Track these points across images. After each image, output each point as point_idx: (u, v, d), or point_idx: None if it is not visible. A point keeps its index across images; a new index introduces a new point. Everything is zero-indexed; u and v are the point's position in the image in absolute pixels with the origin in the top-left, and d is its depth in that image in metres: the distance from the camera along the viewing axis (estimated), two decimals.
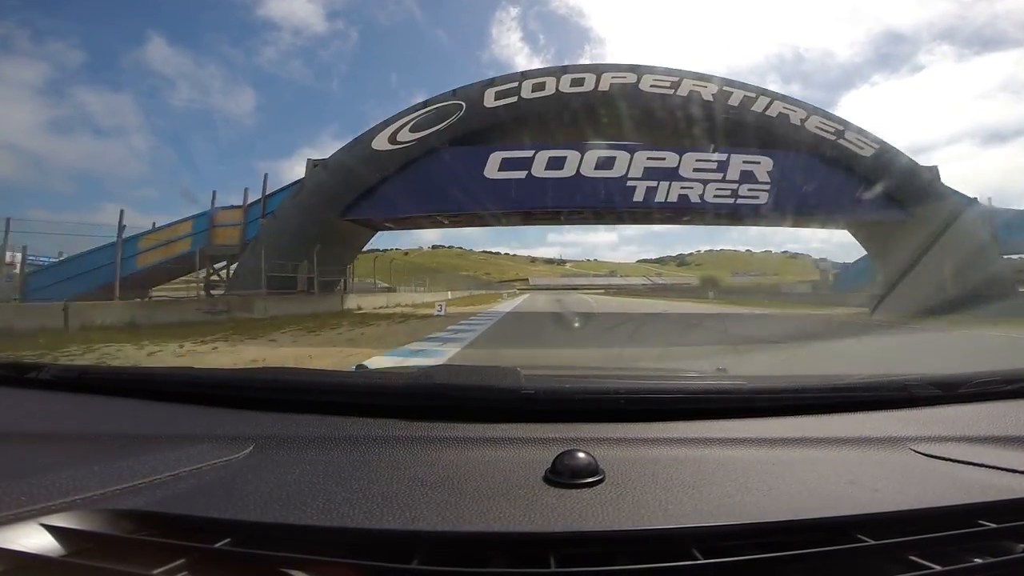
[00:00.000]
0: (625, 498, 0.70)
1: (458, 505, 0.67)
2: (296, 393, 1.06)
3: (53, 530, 0.59)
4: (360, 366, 1.31)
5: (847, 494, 0.73)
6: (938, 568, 0.58)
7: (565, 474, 0.73)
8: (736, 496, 0.71)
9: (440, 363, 1.41)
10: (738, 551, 0.59)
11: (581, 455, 0.76)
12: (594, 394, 1.05)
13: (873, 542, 0.61)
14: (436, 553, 0.60)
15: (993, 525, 0.65)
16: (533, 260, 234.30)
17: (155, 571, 0.54)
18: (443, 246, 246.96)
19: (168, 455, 0.79)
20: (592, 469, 0.74)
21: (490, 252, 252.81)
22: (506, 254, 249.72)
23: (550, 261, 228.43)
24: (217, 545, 0.58)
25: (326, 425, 0.92)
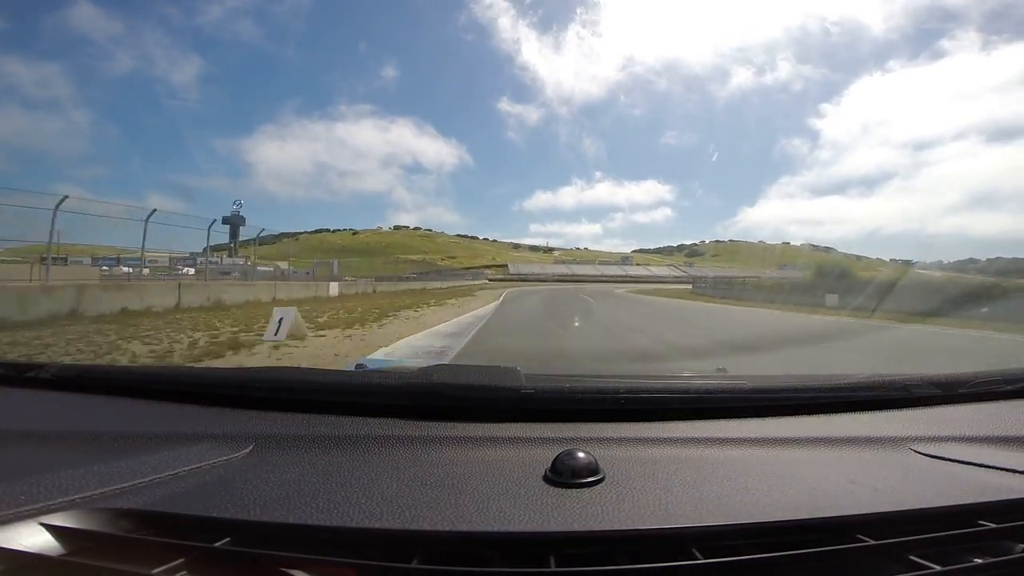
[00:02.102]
0: (625, 498, 0.70)
1: (458, 505, 0.67)
2: (296, 393, 1.06)
3: (53, 529, 0.59)
4: (359, 365, 1.32)
5: (847, 494, 0.73)
6: (938, 568, 0.58)
7: (565, 474, 0.73)
8: (736, 496, 0.71)
9: (440, 363, 1.47)
10: (738, 551, 0.59)
11: (581, 455, 0.76)
12: (594, 394, 1.05)
13: (873, 542, 0.61)
14: (436, 553, 0.60)
15: (993, 525, 0.65)
16: (516, 247, 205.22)
17: (155, 570, 0.54)
18: (406, 226, 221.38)
19: (168, 455, 0.79)
20: (592, 469, 0.74)
21: (465, 236, 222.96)
22: (485, 239, 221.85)
23: (535, 248, 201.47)
24: (217, 544, 0.58)
25: (326, 425, 0.92)
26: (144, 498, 0.66)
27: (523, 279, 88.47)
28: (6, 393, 1.12)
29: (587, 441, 0.87)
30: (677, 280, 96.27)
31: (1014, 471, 0.80)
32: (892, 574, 0.59)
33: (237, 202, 74.60)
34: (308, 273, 37.13)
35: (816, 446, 0.90)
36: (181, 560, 0.56)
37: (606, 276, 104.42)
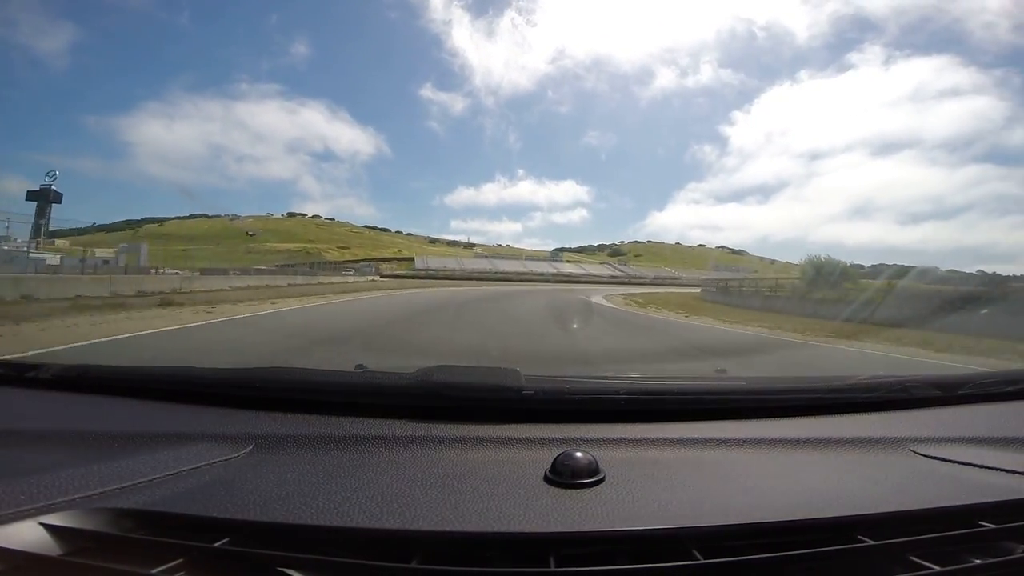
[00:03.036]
0: (625, 498, 0.70)
1: (458, 505, 0.67)
2: (296, 393, 1.05)
3: (52, 529, 0.59)
4: (359, 366, 1.29)
5: (847, 494, 0.73)
6: (938, 568, 0.58)
7: (565, 474, 0.73)
8: (736, 496, 0.72)
9: (441, 364, 1.23)
10: (738, 551, 0.59)
11: (581, 455, 0.76)
12: (594, 394, 1.05)
13: (873, 542, 0.61)
14: (436, 553, 0.60)
15: (992, 526, 0.65)
16: (434, 241, 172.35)
17: (154, 570, 0.54)
18: (302, 214, 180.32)
19: (168, 454, 0.78)
20: (592, 469, 0.74)
21: (375, 228, 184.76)
22: (399, 232, 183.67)
23: (455, 243, 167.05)
24: (216, 544, 0.58)
25: (326, 425, 0.92)
26: (144, 498, 0.66)
27: (431, 276, 66.30)
28: (6, 393, 1.11)
29: (587, 442, 0.87)
30: (618, 280, 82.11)
31: (1014, 472, 0.80)
32: (892, 574, 0.59)
33: (51, 174, 54.52)
34: (96, 263, 29.63)
35: (816, 447, 0.90)
36: (180, 560, 0.56)
37: (536, 274, 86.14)
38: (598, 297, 28.69)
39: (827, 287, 20.27)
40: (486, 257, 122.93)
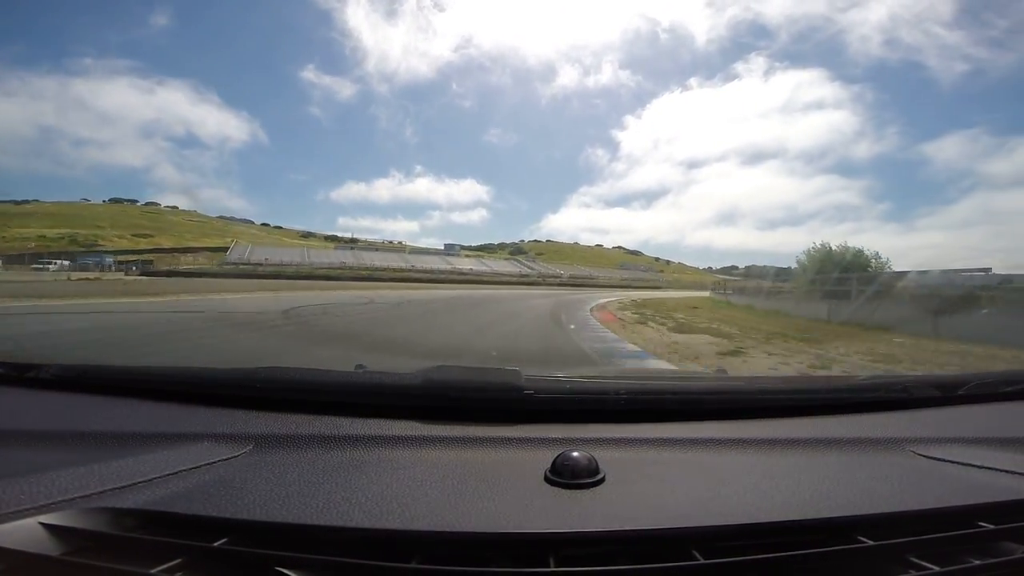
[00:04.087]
0: (625, 498, 0.70)
1: (458, 505, 0.68)
2: (296, 392, 1.05)
3: (52, 529, 0.59)
4: (359, 366, 1.26)
5: (847, 494, 0.73)
6: (937, 569, 0.58)
7: (565, 474, 0.73)
8: (736, 497, 0.71)
9: (441, 364, 1.14)
10: (738, 551, 0.59)
11: (581, 455, 0.76)
12: (594, 394, 1.05)
13: (873, 543, 0.61)
14: (436, 553, 0.60)
15: (992, 526, 0.65)
16: (307, 235, 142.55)
17: (153, 570, 0.54)
18: (133, 200, 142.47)
19: (167, 454, 0.79)
20: (592, 469, 0.74)
21: (233, 219, 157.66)
22: (265, 224, 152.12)
23: (333, 238, 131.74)
24: (215, 544, 0.58)
25: (326, 425, 0.92)
26: (143, 498, 0.66)
27: (251, 275, 45.25)
28: (6, 393, 1.11)
29: (587, 442, 0.86)
30: (529, 280, 65.55)
31: (1013, 472, 0.80)
32: (892, 575, 0.59)
33: None
34: None
35: (815, 447, 0.90)
36: (180, 560, 0.56)
37: (423, 272, 64.46)
38: (583, 313, 16.26)
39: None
40: (350, 248, 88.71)
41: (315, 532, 0.61)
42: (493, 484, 0.73)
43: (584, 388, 1.07)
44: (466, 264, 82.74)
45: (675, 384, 1.18)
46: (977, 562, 0.61)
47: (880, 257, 17.72)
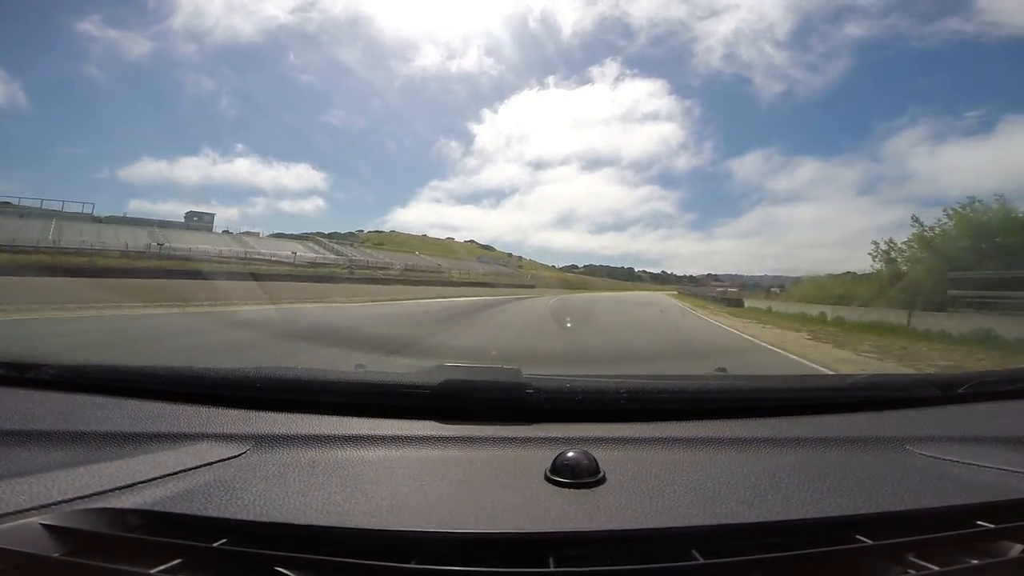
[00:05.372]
0: (625, 498, 0.70)
1: (458, 505, 0.68)
2: (295, 392, 1.05)
3: (52, 529, 0.59)
4: (359, 366, 1.30)
5: (846, 494, 0.73)
6: (936, 568, 0.58)
7: (565, 474, 0.73)
8: (736, 496, 0.72)
9: (441, 364, 1.18)
10: (738, 551, 0.59)
11: (581, 455, 0.76)
12: (595, 394, 1.04)
13: (872, 542, 0.61)
14: (436, 553, 0.60)
15: (991, 526, 0.65)
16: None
17: (153, 570, 0.54)
18: None
19: (167, 455, 0.79)
20: (592, 469, 0.74)
21: None
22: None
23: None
24: (215, 544, 0.58)
25: (325, 425, 0.92)
26: (143, 498, 0.67)
27: None
28: (6, 393, 1.11)
29: (587, 441, 0.87)
30: (319, 276, 34.90)
31: (1013, 471, 0.80)
32: (891, 575, 0.59)
33: None
34: None
35: (815, 446, 0.91)
36: (180, 560, 0.56)
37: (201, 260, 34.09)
38: None
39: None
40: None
41: (315, 532, 0.61)
42: (493, 484, 0.73)
43: (584, 387, 1.06)
44: (202, 243, 47.56)
45: (675, 384, 1.18)
46: (976, 561, 0.61)
47: None
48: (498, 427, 0.91)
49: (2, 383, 1.13)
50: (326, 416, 0.94)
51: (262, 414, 0.95)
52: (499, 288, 45.64)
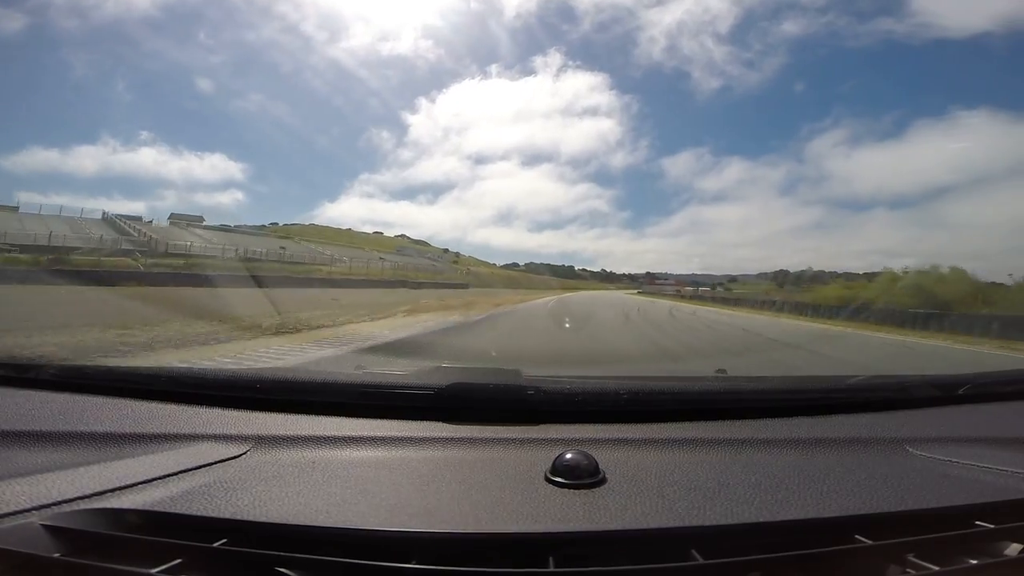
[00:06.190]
0: (625, 498, 0.70)
1: (458, 505, 0.68)
2: (295, 393, 1.05)
3: (52, 530, 0.59)
4: (359, 366, 1.28)
5: (846, 494, 0.73)
6: (936, 568, 0.58)
7: (565, 474, 0.73)
8: (735, 496, 0.72)
9: (441, 364, 1.40)
10: (738, 551, 0.59)
11: (581, 456, 0.76)
12: (595, 395, 1.05)
13: (871, 542, 0.61)
14: (435, 553, 0.60)
15: (990, 526, 0.65)
16: None
17: (153, 570, 0.54)
18: None
19: (167, 455, 0.79)
20: (592, 469, 0.74)
21: None
22: None
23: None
24: (215, 544, 0.58)
25: (324, 425, 0.92)
26: (143, 498, 0.67)
27: None
28: (6, 393, 1.11)
29: (587, 442, 0.87)
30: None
31: (1012, 472, 0.80)
32: (891, 575, 0.59)
33: None
34: None
35: (815, 447, 0.91)
36: (179, 560, 0.55)
37: None
38: None
39: None
40: None
41: (315, 533, 0.61)
42: (493, 484, 0.73)
43: (584, 388, 1.06)
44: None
45: (675, 384, 1.19)
46: (976, 562, 0.61)
47: None
48: (498, 428, 0.92)
49: (2, 383, 1.13)
50: (326, 416, 0.95)
51: (262, 415, 0.95)
52: (417, 288, 31.34)
